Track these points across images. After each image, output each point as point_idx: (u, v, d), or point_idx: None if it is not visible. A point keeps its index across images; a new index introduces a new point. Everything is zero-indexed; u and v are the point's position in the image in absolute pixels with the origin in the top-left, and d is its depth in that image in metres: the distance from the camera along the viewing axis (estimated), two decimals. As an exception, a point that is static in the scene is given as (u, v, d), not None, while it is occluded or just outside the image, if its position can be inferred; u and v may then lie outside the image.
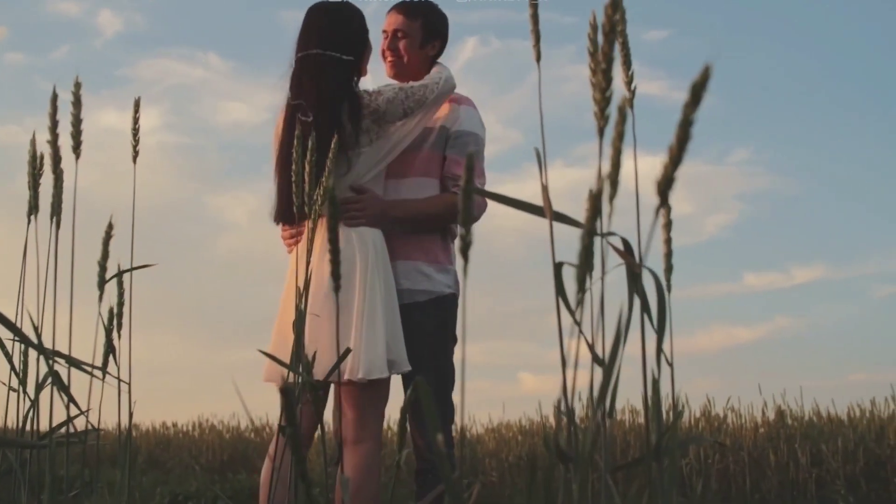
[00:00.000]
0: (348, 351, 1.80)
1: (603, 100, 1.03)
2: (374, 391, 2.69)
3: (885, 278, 12.86)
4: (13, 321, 1.50)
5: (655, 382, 1.12)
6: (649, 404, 1.17)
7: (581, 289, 0.81)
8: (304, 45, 2.85)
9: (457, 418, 2.98)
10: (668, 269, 1.31)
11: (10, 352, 1.64)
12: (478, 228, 3.14)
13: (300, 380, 1.72)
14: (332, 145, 1.88)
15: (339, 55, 2.80)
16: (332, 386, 2.80)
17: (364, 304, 2.66)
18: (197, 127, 15.74)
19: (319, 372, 2.44)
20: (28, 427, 1.57)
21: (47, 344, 1.54)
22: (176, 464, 11.07)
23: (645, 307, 1.23)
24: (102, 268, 1.53)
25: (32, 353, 1.61)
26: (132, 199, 1.64)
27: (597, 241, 1.14)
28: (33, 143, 1.58)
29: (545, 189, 1.25)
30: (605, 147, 0.99)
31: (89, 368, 1.51)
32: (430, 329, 2.93)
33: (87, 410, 1.57)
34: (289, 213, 2.80)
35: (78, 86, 1.45)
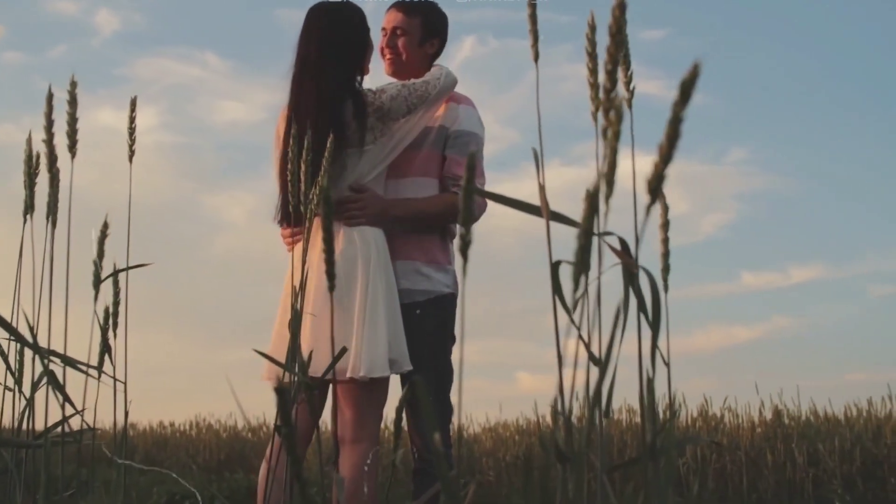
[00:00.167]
0: (344, 350, 1.80)
1: (607, 101, 1.03)
2: (374, 391, 2.69)
3: (882, 278, 12.88)
4: (9, 320, 1.50)
5: (650, 382, 1.12)
6: (645, 404, 1.16)
7: (577, 289, 0.81)
8: (305, 45, 2.84)
9: (454, 418, 2.98)
10: (665, 268, 1.31)
11: (6, 351, 1.64)
12: (476, 228, 3.09)
13: (296, 379, 1.72)
14: (328, 145, 1.88)
15: (340, 55, 2.80)
16: (331, 385, 2.80)
17: (366, 303, 2.66)
18: (194, 126, 15.73)
19: (320, 370, 2.45)
20: (24, 426, 1.57)
21: (43, 343, 1.53)
22: (173, 463, 11.06)
23: (641, 307, 1.23)
24: (98, 267, 1.53)
25: (28, 353, 1.61)
26: (129, 197, 1.64)
27: (594, 240, 1.14)
28: (29, 142, 1.58)
29: (542, 189, 1.25)
30: (602, 147, 0.99)
31: (85, 368, 1.50)
32: (429, 329, 2.93)
33: (83, 410, 1.57)
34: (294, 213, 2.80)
35: (74, 85, 1.45)
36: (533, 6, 1.26)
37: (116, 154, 1.73)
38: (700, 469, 7.00)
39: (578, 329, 1.04)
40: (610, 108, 0.88)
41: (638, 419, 7.70)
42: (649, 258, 1.35)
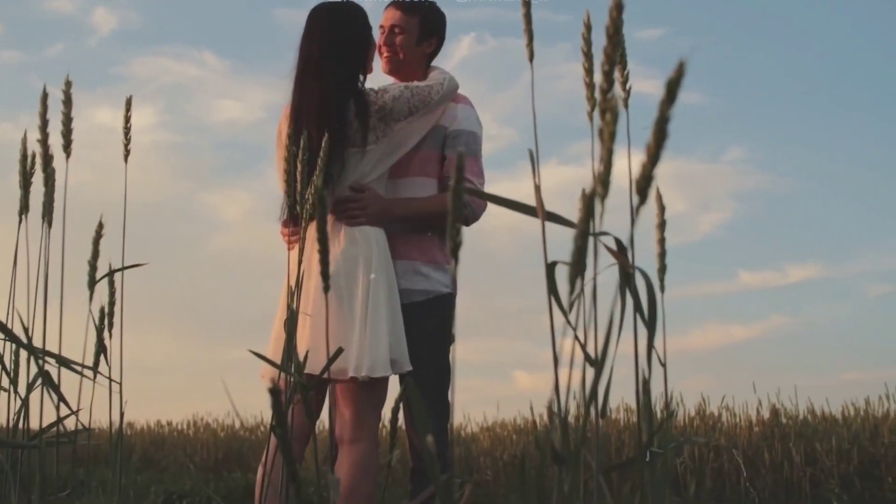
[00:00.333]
0: (340, 350, 1.80)
1: (604, 101, 1.02)
2: (374, 390, 2.69)
3: (879, 277, 12.88)
4: (3, 321, 1.50)
5: (646, 383, 1.12)
6: (641, 404, 1.16)
7: (573, 291, 0.80)
8: (308, 45, 2.84)
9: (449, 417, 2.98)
10: (662, 269, 1.30)
11: (2, 352, 1.63)
12: (474, 227, 3.14)
13: (292, 380, 1.71)
14: (323, 145, 1.87)
15: (343, 55, 2.80)
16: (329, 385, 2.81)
17: (367, 303, 2.66)
18: (192, 125, 15.71)
19: (319, 370, 2.47)
20: (20, 427, 1.56)
21: (39, 344, 1.53)
22: (170, 462, 11.05)
23: (637, 307, 1.23)
24: (93, 267, 1.52)
25: (24, 353, 1.60)
26: (124, 197, 1.63)
27: (589, 241, 1.14)
28: (24, 142, 1.57)
29: (538, 189, 1.25)
30: (599, 147, 0.98)
31: (79, 368, 1.50)
32: (429, 329, 2.93)
33: (78, 410, 1.56)
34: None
35: (69, 84, 1.44)
36: (527, 6, 1.25)
37: (114, 153, 1.72)
38: (697, 468, 7.00)
39: (574, 330, 1.04)
40: (606, 109, 0.87)
41: (636, 418, 7.68)
42: (647, 258, 1.35)
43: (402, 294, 2.87)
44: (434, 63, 3.16)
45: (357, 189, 2.79)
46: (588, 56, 1.21)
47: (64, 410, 1.57)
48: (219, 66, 15.39)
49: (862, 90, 14.28)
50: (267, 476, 1.92)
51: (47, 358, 1.51)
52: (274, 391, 0.88)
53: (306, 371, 2.59)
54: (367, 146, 2.77)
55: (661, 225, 1.30)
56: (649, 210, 1.33)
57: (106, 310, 1.65)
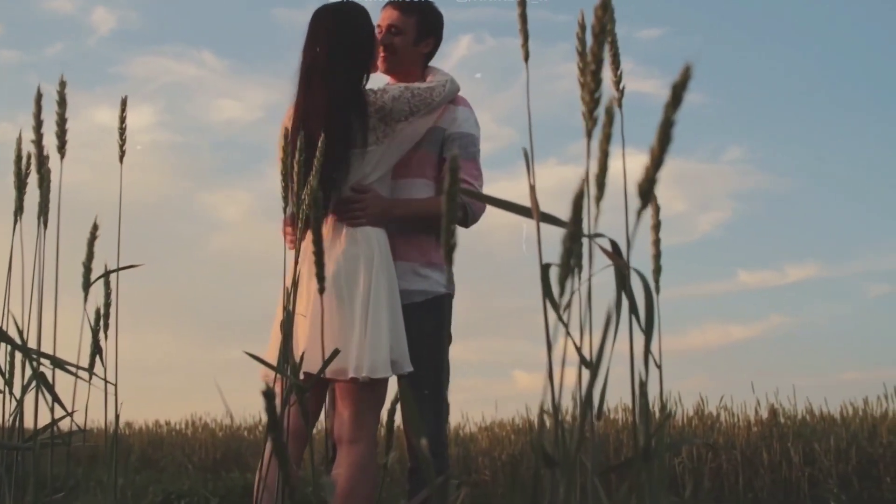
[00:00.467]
0: (337, 351, 1.79)
1: (592, 101, 1.02)
2: (373, 391, 2.69)
3: (878, 277, 12.89)
4: (-2, 322, 1.49)
5: (643, 385, 1.12)
6: (637, 407, 1.16)
7: (563, 292, 0.80)
8: (312, 48, 2.83)
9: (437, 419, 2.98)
10: (657, 269, 1.30)
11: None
12: (473, 226, 3.14)
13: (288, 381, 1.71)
14: (320, 145, 1.87)
15: (348, 57, 2.80)
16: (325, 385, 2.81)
17: (368, 304, 2.66)
18: (191, 125, 15.71)
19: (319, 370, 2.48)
20: (15, 428, 1.56)
21: (34, 345, 1.52)
22: (169, 462, 11.05)
23: (633, 308, 1.22)
24: (87, 269, 1.52)
25: (19, 354, 1.60)
26: (119, 198, 1.63)
27: (584, 242, 1.14)
28: (19, 142, 1.57)
29: (533, 190, 1.24)
30: (595, 148, 0.98)
31: (74, 369, 1.49)
32: (428, 329, 2.93)
33: (74, 412, 1.56)
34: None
35: (63, 85, 1.44)
36: (523, 5, 1.25)
37: (113, 153, 1.72)
38: (696, 468, 7.00)
39: (568, 332, 1.03)
40: (594, 109, 0.87)
41: (633, 419, 7.67)
42: (643, 258, 1.35)
43: (401, 295, 2.87)
44: (432, 63, 3.16)
45: (358, 190, 2.79)
46: (582, 56, 1.21)
47: (60, 412, 1.56)
48: (218, 65, 15.39)
49: (861, 90, 14.29)
50: (262, 480, 1.91)
51: (42, 359, 1.50)
52: (267, 394, 0.88)
53: (306, 371, 2.60)
54: (367, 147, 2.77)
55: (657, 226, 1.29)
56: (644, 211, 1.32)
57: (102, 311, 1.65)
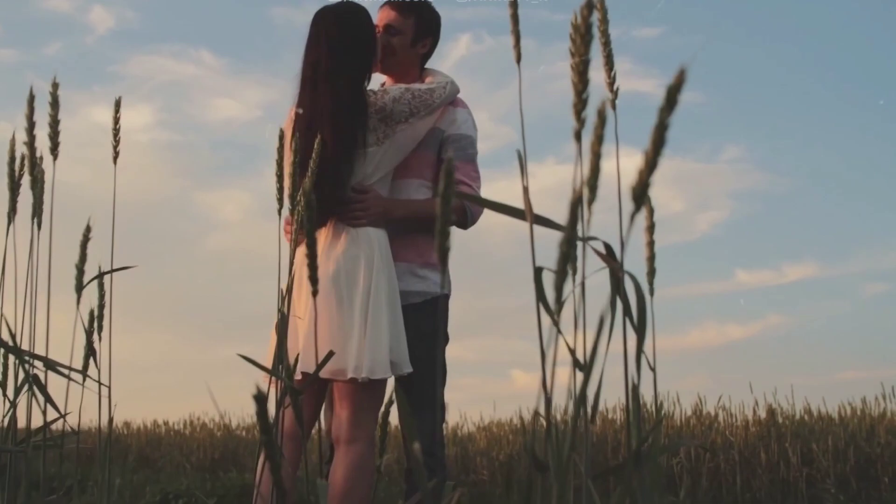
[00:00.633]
0: (331, 353, 1.79)
1: (580, 102, 1.02)
2: (372, 392, 2.69)
3: (876, 276, 12.89)
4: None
5: (635, 389, 1.11)
6: (630, 410, 1.16)
7: (559, 298, 0.80)
8: (315, 49, 2.83)
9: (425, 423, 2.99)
10: (651, 272, 1.30)
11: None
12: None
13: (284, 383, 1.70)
14: (315, 146, 1.86)
15: (352, 58, 2.80)
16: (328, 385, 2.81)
17: (368, 304, 2.66)
18: (189, 124, 15.69)
19: (321, 371, 2.48)
20: (8, 429, 1.56)
21: (29, 347, 1.52)
22: (166, 462, 11.04)
23: (627, 311, 1.22)
24: (80, 271, 1.51)
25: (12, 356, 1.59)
26: (113, 199, 1.62)
27: (577, 245, 1.13)
28: (12, 143, 1.56)
29: (526, 191, 1.24)
30: (587, 149, 0.98)
31: (67, 371, 1.49)
32: (426, 330, 2.94)
33: (67, 413, 1.56)
34: (319, 219, 2.78)
35: (56, 86, 1.43)
36: (514, 6, 1.24)
37: (111, 152, 1.71)
38: (694, 468, 7.00)
39: (561, 334, 1.03)
40: (582, 110, 0.86)
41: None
42: (640, 258, 1.34)
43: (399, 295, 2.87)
44: (430, 62, 3.16)
45: (359, 190, 2.79)
46: (574, 56, 1.21)
47: (53, 413, 1.56)
48: (216, 64, 15.38)
49: (860, 89, 14.29)
50: (256, 488, 1.91)
51: (36, 361, 1.50)
52: (258, 398, 0.88)
53: (305, 371, 2.60)
54: (368, 148, 2.77)
55: (651, 228, 1.29)
56: (638, 213, 1.32)
57: (96, 312, 1.65)
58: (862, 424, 7.21)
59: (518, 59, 1.28)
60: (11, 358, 1.60)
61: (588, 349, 1.06)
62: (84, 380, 1.58)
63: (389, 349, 2.65)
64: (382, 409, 1.99)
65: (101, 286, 1.65)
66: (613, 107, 1.33)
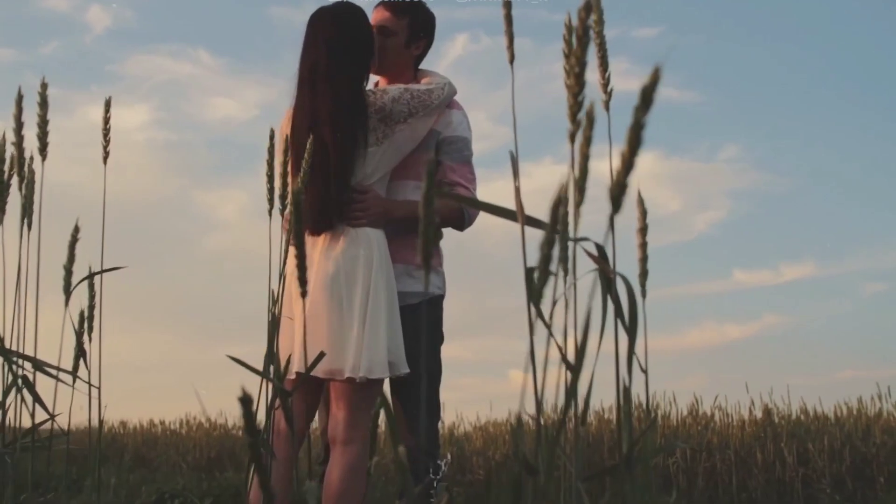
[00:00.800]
0: (322, 354, 1.78)
1: (575, 104, 1.01)
2: (369, 392, 2.68)
3: (874, 276, 12.89)
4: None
5: (627, 391, 1.11)
6: (621, 412, 1.15)
7: (538, 299, 0.79)
8: (313, 50, 2.82)
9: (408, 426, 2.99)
10: (643, 273, 1.29)
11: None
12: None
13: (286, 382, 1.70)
14: (308, 145, 1.86)
15: (351, 58, 2.79)
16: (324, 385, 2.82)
17: (367, 304, 2.66)
18: (186, 123, 15.66)
19: (317, 370, 2.52)
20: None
21: (18, 348, 1.51)
22: (163, 461, 11.02)
23: (619, 313, 1.21)
24: (68, 272, 1.50)
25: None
26: (103, 199, 1.62)
27: (570, 245, 1.13)
28: (2, 144, 1.55)
29: (517, 192, 1.24)
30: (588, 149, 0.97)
31: (55, 372, 1.48)
32: (422, 330, 2.94)
33: (57, 415, 1.55)
34: (322, 221, 2.78)
35: (44, 86, 1.42)
36: (508, 6, 1.24)
37: (112, 151, 1.71)
38: (689, 468, 7.00)
39: (552, 335, 1.03)
40: (577, 112, 0.86)
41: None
42: (635, 258, 1.33)
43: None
44: (427, 62, 3.16)
45: (359, 191, 2.79)
46: (568, 58, 1.20)
47: (44, 415, 1.55)
48: (214, 64, 15.35)
49: (857, 88, 14.29)
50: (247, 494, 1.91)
51: (25, 362, 1.49)
52: (244, 399, 0.87)
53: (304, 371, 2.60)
54: (368, 148, 2.77)
55: (643, 230, 1.28)
56: (631, 214, 1.32)
57: (86, 313, 1.64)
58: (858, 424, 7.21)
59: (511, 60, 1.27)
60: (0, 359, 1.60)
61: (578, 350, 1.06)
62: (74, 381, 1.57)
63: (388, 349, 2.65)
64: (373, 410, 1.99)
65: (91, 287, 1.65)
66: (607, 108, 1.33)
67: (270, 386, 2.18)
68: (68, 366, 1.59)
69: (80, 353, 1.60)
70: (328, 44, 2.80)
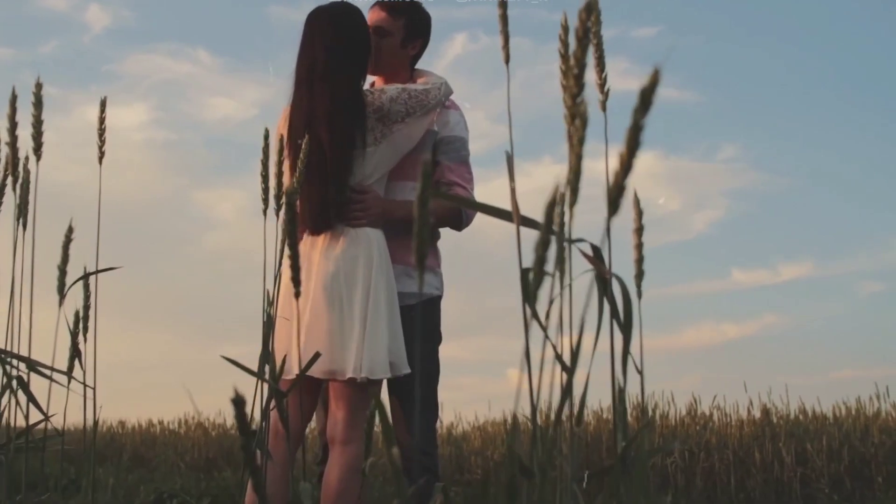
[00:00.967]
0: (318, 354, 1.78)
1: (574, 105, 1.01)
2: (369, 392, 2.68)
3: (872, 275, 12.91)
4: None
5: (621, 392, 1.11)
6: (616, 412, 1.15)
7: (534, 299, 0.79)
8: (311, 50, 2.81)
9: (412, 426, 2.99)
10: (639, 274, 1.29)
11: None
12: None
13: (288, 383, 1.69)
14: (304, 145, 1.85)
15: (348, 58, 2.79)
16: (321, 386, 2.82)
17: (367, 305, 2.66)
18: (185, 122, 15.66)
19: (317, 371, 2.53)
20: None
21: (12, 348, 1.51)
22: (161, 461, 11.02)
23: (614, 314, 1.21)
24: (62, 272, 1.50)
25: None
26: (98, 199, 1.61)
27: (565, 246, 1.12)
28: (-4, 143, 1.55)
29: (513, 193, 1.23)
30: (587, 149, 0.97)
31: (49, 372, 1.48)
32: (420, 331, 2.94)
33: (52, 415, 1.54)
34: (322, 221, 2.77)
35: (39, 86, 1.42)
36: (503, 6, 1.23)
37: (109, 150, 1.70)
38: (688, 468, 6.99)
39: (546, 335, 1.02)
40: (575, 115, 0.85)
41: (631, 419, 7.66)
42: (632, 259, 1.33)
43: (395, 297, 2.87)
44: (425, 61, 3.15)
45: (359, 191, 2.79)
46: (565, 59, 1.20)
47: (39, 415, 1.55)
48: (212, 63, 15.34)
49: (856, 88, 14.30)
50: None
51: (19, 362, 1.48)
52: (237, 401, 0.86)
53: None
54: (366, 148, 2.76)
55: (639, 230, 1.28)
56: (628, 214, 1.32)
57: (81, 314, 1.63)
58: (856, 424, 7.21)
59: (507, 60, 1.27)
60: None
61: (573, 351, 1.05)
62: (69, 381, 1.56)
63: (388, 350, 2.65)
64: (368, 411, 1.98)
65: (86, 287, 1.64)
66: (604, 108, 1.32)
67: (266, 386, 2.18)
68: (63, 366, 1.59)
69: (75, 353, 1.60)
70: (325, 44, 2.79)
